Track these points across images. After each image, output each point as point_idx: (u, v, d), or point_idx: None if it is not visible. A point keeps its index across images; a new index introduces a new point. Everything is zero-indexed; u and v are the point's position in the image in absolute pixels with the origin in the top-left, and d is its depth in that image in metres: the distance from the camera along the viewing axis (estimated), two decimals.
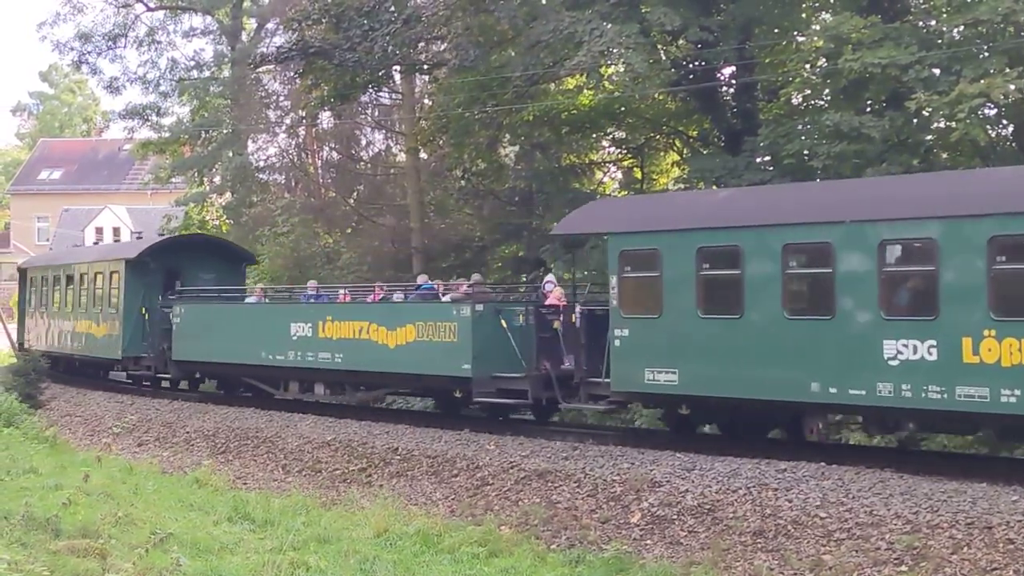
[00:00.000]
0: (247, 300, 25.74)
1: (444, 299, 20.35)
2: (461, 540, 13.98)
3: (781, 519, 13.35)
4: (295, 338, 22.27)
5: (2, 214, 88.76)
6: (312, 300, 23.62)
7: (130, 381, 30.46)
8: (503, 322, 18.68)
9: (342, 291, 23.90)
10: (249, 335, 23.56)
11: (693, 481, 14.76)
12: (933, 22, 21.48)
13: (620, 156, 33.51)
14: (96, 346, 29.49)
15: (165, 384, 28.83)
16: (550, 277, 20.95)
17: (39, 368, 28.48)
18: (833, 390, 14.47)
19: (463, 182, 32.17)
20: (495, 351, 18.58)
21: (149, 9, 43.96)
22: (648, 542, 14.04)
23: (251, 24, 44.52)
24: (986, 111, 20.02)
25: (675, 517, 14.24)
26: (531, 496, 15.93)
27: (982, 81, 18.25)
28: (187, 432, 23.28)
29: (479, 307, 18.85)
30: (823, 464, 14.74)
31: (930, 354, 13.62)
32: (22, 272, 37.54)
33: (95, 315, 29.46)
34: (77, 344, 30.90)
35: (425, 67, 30.34)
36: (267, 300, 25.59)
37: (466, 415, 20.84)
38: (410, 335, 19.83)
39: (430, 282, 22.40)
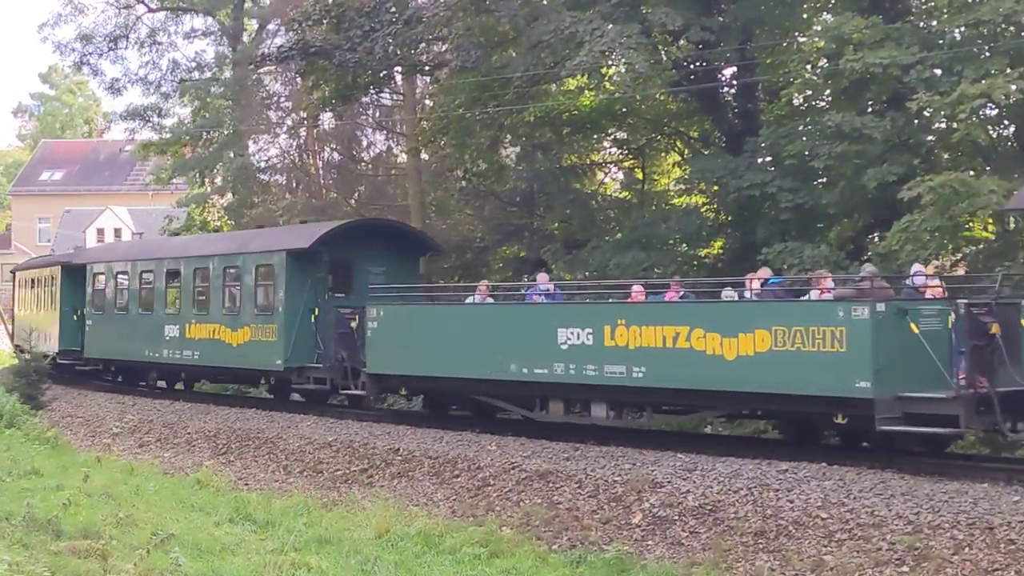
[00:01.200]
0: (468, 300, 20.56)
1: (820, 296, 15.74)
2: (462, 541, 13.98)
3: (782, 520, 13.35)
4: (565, 347, 17.55)
5: (3, 215, 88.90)
6: (543, 299, 19.30)
7: (271, 396, 25.94)
8: (913, 326, 14.40)
9: (636, 287, 18.75)
10: (489, 344, 18.71)
11: (694, 482, 14.76)
12: (934, 22, 21.49)
13: (621, 157, 33.51)
14: (237, 356, 24.24)
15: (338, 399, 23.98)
16: (919, 267, 16.60)
17: (40, 369, 28.41)
18: None
19: (464, 183, 32.17)
20: (904, 364, 14.22)
21: (150, 10, 43.98)
22: (650, 543, 14.04)
23: (252, 25, 44.52)
24: (987, 111, 20.03)
25: (676, 518, 14.24)
26: (532, 497, 15.93)
27: (983, 81, 18.25)
28: (188, 433, 23.28)
29: (880, 307, 14.33)
30: (824, 464, 14.73)
31: None
32: (73, 269, 31.56)
33: (231, 318, 24.23)
34: (197, 353, 25.49)
35: (426, 68, 30.35)
36: (492, 299, 20.55)
37: (826, 444, 17.06)
38: (762, 343, 15.20)
39: (776, 276, 17.80)
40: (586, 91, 28.13)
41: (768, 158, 23.53)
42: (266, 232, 28.19)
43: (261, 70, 37.21)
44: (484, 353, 18.79)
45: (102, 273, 30.10)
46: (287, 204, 37.61)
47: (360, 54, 26.27)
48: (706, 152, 27.11)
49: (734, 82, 26.40)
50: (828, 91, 22.44)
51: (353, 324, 21.49)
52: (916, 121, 20.36)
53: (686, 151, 29.52)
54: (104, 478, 16.93)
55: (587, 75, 24.09)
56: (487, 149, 30.21)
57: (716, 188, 24.60)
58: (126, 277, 28.64)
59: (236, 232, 30.86)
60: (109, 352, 29.65)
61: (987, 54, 19.21)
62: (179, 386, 28.91)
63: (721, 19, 24.28)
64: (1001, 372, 14.06)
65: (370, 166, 40.70)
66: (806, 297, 16.11)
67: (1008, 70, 18.64)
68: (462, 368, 19.33)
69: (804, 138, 21.91)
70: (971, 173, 19.91)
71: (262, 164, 41.75)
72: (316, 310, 22.56)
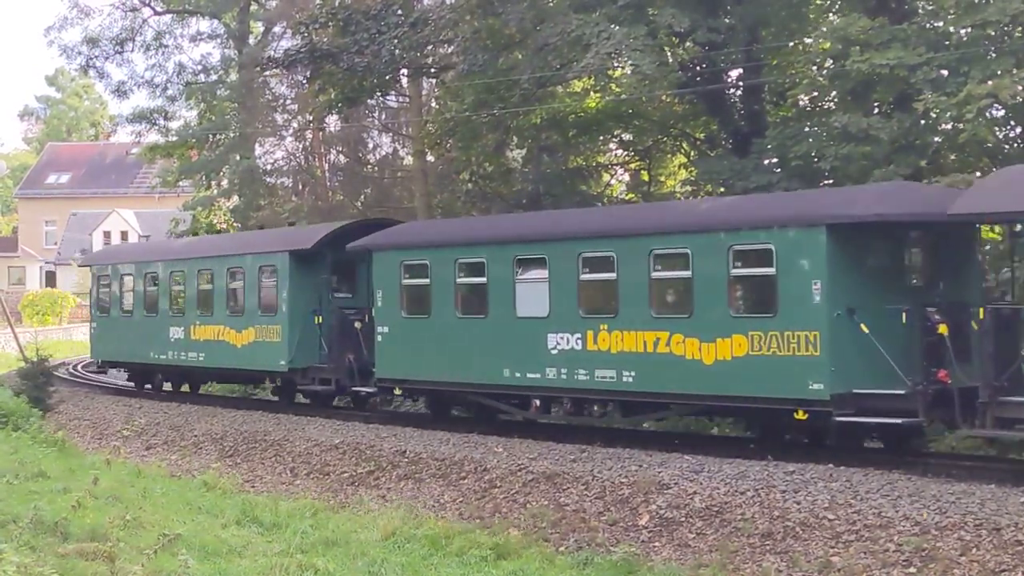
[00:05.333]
0: None
1: None
2: (469, 543, 13.97)
3: (789, 521, 13.34)
4: None
5: (10, 218, 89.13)
6: None
7: None
8: None
9: None
10: None
11: (701, 483, 14.75)
12: (941, 23, 21.45)
13: (627, 158, 33.50)
14: None
15: None
16: None
17: (47, 372, 28.37)
18: None
19: (470, 185, 32.17)
20: None
21: (156, 13, 44.03)
22: (656, 544, 14.03)
23: (258, 28, 44.59)
24: (994, 112, 19.99)
25: (683, 519, 14.24)
26: (539, 499, 15.93)
27: (990, 82, 18.22)
28: (195, 435, 23.31)
29: None
30: (831, 466, 14.74)
31: None
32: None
33: None
34: None
35: (433, 70, 30.36)
36: None
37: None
38: None
39: None
40: (592, 93, 28.10)
41: (774, 159, 23.48)
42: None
43: (267, 73, 37.23)
44: None
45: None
46: (293, 206, 37.68)
47: (367, 57, 26.28)
48: (712, 153, 27.07)
49: (740, 83, 26.37)
50: (834, 92, 22.40)
51: None
52: (923, 122, 20.31)
53: (692, 152, 29.49)
54: (111, 480, 16.92)
55: (593, 77, 24.07)
56: (493, 151, 30.22)
57: (722, 190, 24.54)
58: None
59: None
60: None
61: (993, 54, 19.18)
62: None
63: (727, 20, 24.24)
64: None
65: (376, 168, 40.72)
66: None
67: (1015, 70, 18.60)
68: None
69: (810, 139, 21.87)
70: (978, 174, 19.88)
71: (268, 167, 41.82)
72: None
